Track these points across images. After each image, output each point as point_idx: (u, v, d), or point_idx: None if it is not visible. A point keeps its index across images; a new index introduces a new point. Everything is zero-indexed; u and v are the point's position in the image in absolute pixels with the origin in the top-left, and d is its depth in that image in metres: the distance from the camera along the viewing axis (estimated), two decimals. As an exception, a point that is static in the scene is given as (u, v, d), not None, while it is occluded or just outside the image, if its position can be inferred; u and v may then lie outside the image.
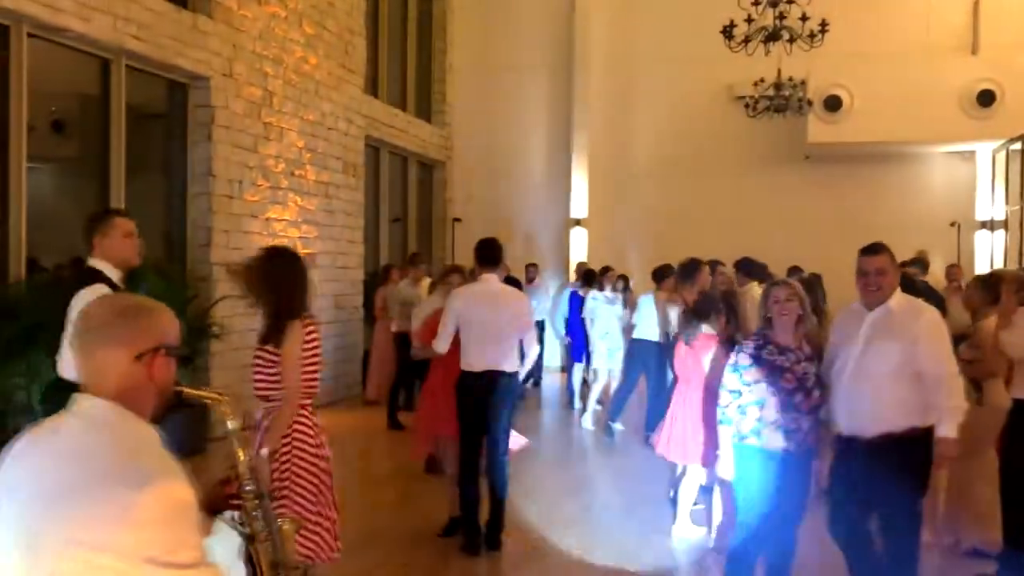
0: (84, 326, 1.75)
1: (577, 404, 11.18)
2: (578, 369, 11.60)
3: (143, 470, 1.60)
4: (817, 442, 4.41)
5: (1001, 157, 14.40)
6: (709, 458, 5.33)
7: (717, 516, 5.81)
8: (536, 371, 12.31)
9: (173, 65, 8.52)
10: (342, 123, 11.67)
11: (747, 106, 11.99)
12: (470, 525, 5.68)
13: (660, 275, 9.00)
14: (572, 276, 14.27)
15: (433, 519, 6.17)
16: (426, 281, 10.12)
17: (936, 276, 11.24)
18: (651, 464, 8.24)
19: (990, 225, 14.73)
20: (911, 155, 14.80)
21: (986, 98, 13.48)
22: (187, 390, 1.88)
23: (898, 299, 4.25)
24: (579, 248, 15.58)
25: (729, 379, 4.38)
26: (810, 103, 12.18)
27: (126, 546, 1.55)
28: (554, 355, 13.59)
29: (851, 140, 13.72)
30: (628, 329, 9.74)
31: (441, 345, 5.65)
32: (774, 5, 8.85)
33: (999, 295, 5.14)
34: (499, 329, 5.56)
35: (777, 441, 4.28)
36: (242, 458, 2.01)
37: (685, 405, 5.79)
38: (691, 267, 7.45)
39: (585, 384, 11.48)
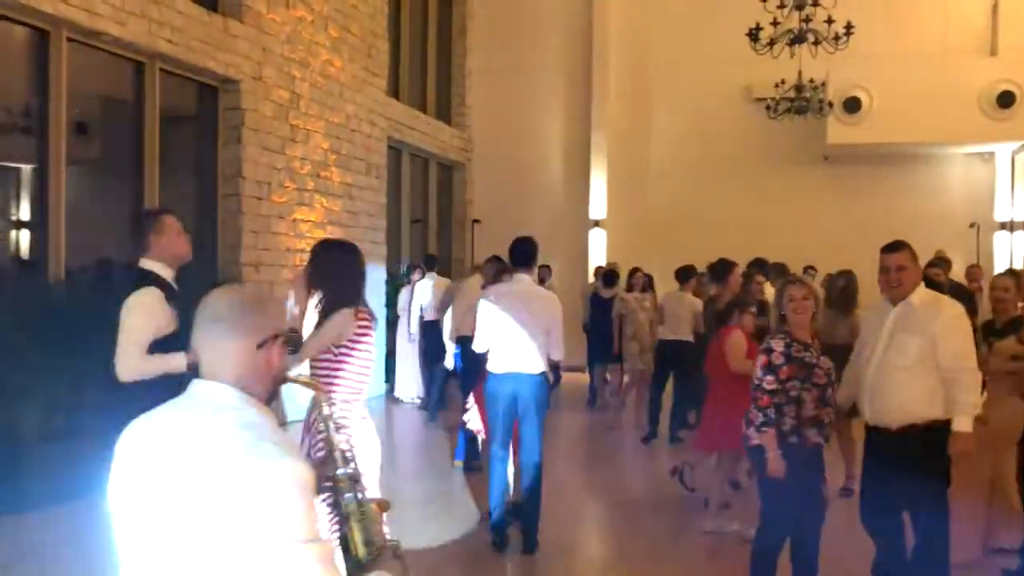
0: (206, 317, 1.85)
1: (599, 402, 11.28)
2: (599, 369, 11.71)
3: (266, 448, 1.70)
4: None
5: (1021, 158, 14.44)
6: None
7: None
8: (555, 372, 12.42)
9: (204, 68, 8.64)
10: (365, 125, 11.79)
11: (768, 108, 12.05)
12: (500, 523, 5.69)
13: (685, 276, 9.08)
14: (591, 277, 14.39)
15: (464, 516, 6.25)
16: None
17: (956, 277, 11.27)
18: (676, 462, 8.33)
19: (1009, 226, 14.76)
20: (930, 156, 14.83)
21: (1006, 99, 13.52)
22: (291, 376, 1.98)
23: (920, 294, 4.38)
24: (598, 249, 15.66)
25: (767, 380, 4.38)
26: (831, 105, 12.23)
27: (257, 522, 1.65)
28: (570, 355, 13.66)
29: (871, 141, 13.76)
30: (653, 329, 9.82)
31: (480, 345, 5.68)
32: (800, 8, 8.92)
33: None
34: (527, 330, 5.54)
35: (814, 436, 4.37)
36: (337, 443, 2.10)
37: (715, 400, 5.89)
38: (723, 268, 7.49)
39: (606, 381, 11.59)
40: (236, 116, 9.15)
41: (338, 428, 2.14)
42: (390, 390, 11.95)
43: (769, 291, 8.32)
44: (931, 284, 5.75)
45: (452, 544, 5.91)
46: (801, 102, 11.57)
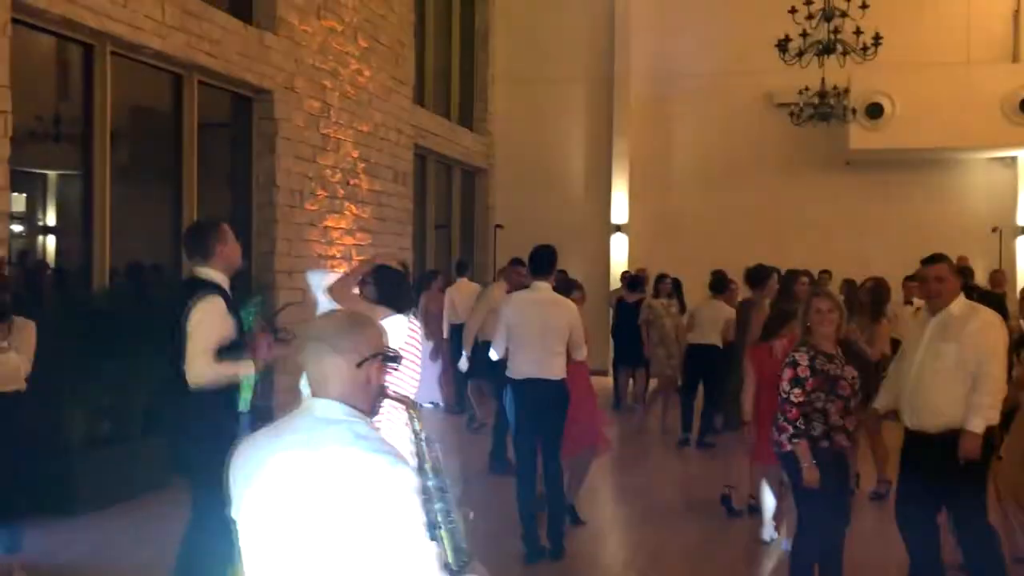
0: (310, 337, 2.01)
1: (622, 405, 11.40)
2: (624, 372, 11.84)
3: (380, 458, 1.85)
4: None
5: (1043, 163, 14.46)
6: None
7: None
8: None
9: (240, 80, 8.81)
10: (392, 133, 11.94)
11: (791, 114, 12.13)
12: (530, 533, 5.72)
13: (720, 286, 9.22)
14: (613, 282, 14.52)
15: (493, 519, 6.36)
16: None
17: (979, 282, 11.34)
18: (707, 467, 8.45)
19: (1031, 231, 14.77)
20: (953, 161, 14.86)
21: (1028, 105, 13.53)
22: (389, 391, 2.12)
23: (960, 304, 4.60)
24: (620, 254, 15.77)
25: (794, 393, 4.50)
26: (854, 112, 12.29)
27: (378, 527, 1.79)
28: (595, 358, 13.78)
29: (893, 147, 13.82)
30: (682, 333, 9.93)
31: (497, 351, 5.81)
32: (828, 19, 9.00)
33: None
34: (545, 337, 5.65)
35: (843, 441, 4.54)
36: (428, 455, 2.24)
37: (768, 411, 5.98)
38: (760, 273, 7.56)
39: (633, 382, 11.71)
40: (270, 126, 9.32)
41: (428, 441, 2.27)
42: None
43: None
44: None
45: (484, 549, 5.98)
46: (825, 108, 11.65)
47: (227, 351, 4.03)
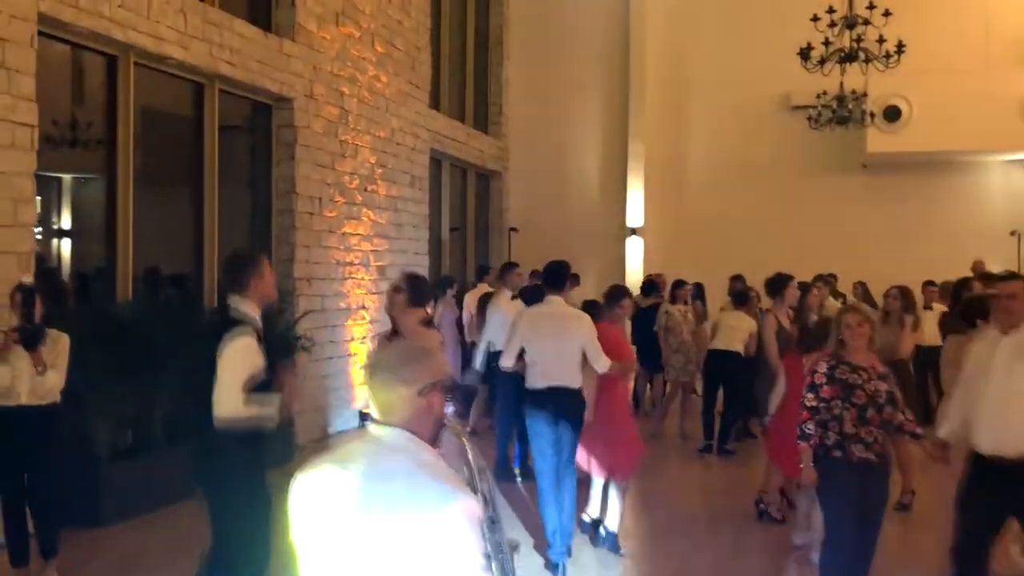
0: (376, 367, 2.09)
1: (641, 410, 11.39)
2: (640, 377, 11.82)
3: (446, 486, 1.90)
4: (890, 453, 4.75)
5: (1061, 165, 14.38)
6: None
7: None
8: None
9: (260, 88, 8.83)
10: (409, 138, 11.95)
11: (809, 119, 12.09)
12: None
13: (742, 299, 9.24)
14: (630, 287, 14.49)
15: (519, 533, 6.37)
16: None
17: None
18: (729, 475, 8.43)
19: (1050, 233, 14.67)
20: (970, 164, 14.80)
21: (1047, 108, 13.48)
22: (447, 421, 2.15)
23: None
24: (635, 257, 15.76)
25: (807, 397, 4.70)
26: (873, 116, 12.25)
27: (441, 554, 1.82)
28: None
29: (911, 150, 13.77)
30: (703, 340, 9.92)
31: (506, 361, 5.93)
32: (851, 27, 8.95)
33: None
34: (560, 351, 5.77)
35: (860, 451, 4.57)
36: (480, 486, 2.25)
37: (788, 420, 6.00)
38: (778, 283, 7.57)
39: (650, 386, 11.69)
40: (289, 133, 9.34)
41: (481, 471, 2.28)
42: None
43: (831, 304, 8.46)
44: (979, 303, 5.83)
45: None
46: (844, 113, 11.61)
47: (256, 385, 4.05)
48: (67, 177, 8.13)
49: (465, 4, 15.09)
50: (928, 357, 9.56)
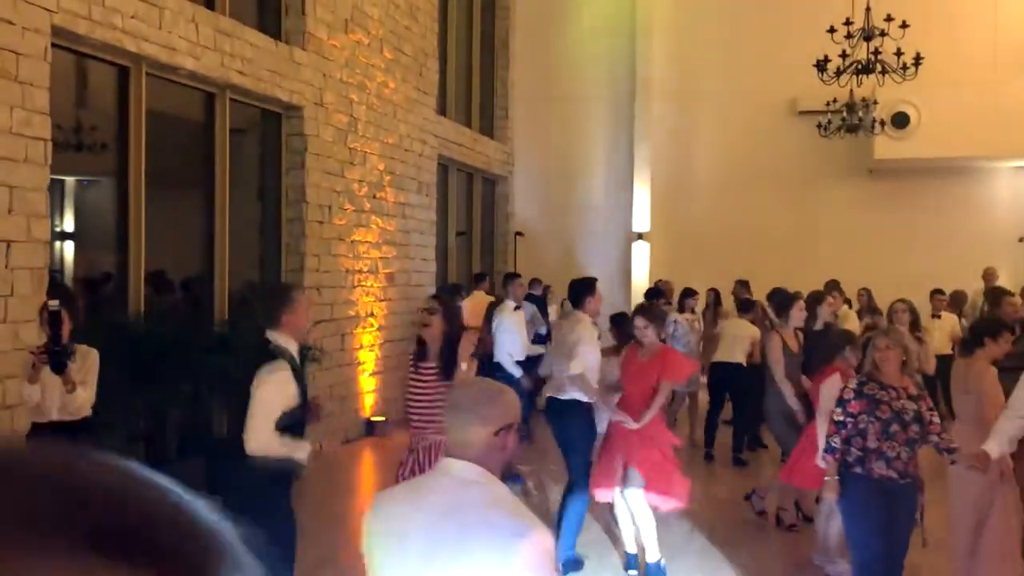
0: (456, 406, 2.18)
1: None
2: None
3: (518, 521, 1.94)
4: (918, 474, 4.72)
5: (1069, 172, 14.35)
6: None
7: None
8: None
9: (271, 96, 8.80)
10: (416, 144, 11.92)
11: (819, 126, 12.06)
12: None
13: (747, 307, 9.22)
14: (636, 291, 14.48)
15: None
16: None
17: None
18: (742, 488, 8.38)
19: (1058, 240, 14.65)
20: (978, 170, 14.77)
21: (1055, 114, 13.45)
22: (513, 462, 2.20)
23: None
24: (641, 262, 15.73)
25: (835, 412, 4.77)
26: (882, 124, 12.21)
27: None
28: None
29: (919, 156, 13.75)
30: (709, 349, 9.90)
31: (543, 370, 6.18)
32: (868, 39, 8.91)
33: None
34: (560, 360, 5.83)
35: (881, 468, 4.57)
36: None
37: (810, 435, 6.01)
38: (784, 302, 7.51)
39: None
40: (299, 142, 9.31)
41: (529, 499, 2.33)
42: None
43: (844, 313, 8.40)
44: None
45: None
46: (854, 120, 11.57)
47: (289, 417, 4.07)
48: (76, 183, 8.08)
49: (472, 10, 15.05)
50: (938, 365, 9.50)
